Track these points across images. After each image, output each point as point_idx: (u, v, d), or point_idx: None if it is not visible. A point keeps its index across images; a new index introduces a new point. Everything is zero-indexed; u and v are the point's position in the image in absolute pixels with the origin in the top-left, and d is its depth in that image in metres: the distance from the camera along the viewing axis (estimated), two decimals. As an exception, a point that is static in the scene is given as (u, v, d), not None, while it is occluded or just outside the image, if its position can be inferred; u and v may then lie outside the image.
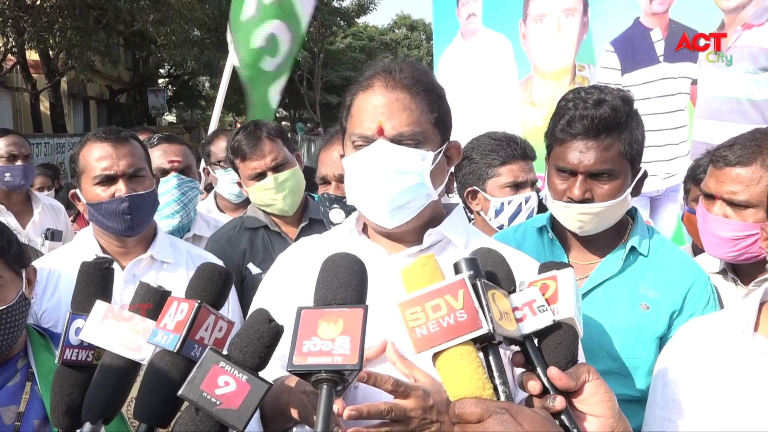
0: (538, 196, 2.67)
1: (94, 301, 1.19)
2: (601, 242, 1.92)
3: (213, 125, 4.60)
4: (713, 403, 1.40)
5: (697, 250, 2.47)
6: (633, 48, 3.81)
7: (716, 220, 1.94)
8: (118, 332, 1.13)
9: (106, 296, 1.25)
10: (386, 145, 1.39)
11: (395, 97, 1.40)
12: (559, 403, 1.00)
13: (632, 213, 1.99)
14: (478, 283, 1.00)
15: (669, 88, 3.73)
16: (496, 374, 0.98)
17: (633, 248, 1.91)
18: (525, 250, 1.88)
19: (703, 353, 1.47)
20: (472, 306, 0.97)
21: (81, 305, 1.24)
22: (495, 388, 0.97)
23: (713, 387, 1.42)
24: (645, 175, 1.88)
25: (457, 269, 1.05)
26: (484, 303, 0.97)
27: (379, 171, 1.39)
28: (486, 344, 1.00)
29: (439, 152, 1.44)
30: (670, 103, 3.73)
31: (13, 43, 17.71)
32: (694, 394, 1.44)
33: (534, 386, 1.02)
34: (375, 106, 1.41)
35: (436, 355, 0.97)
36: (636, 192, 1.89)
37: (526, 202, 2.57)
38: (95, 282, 1.26)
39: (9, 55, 18.52)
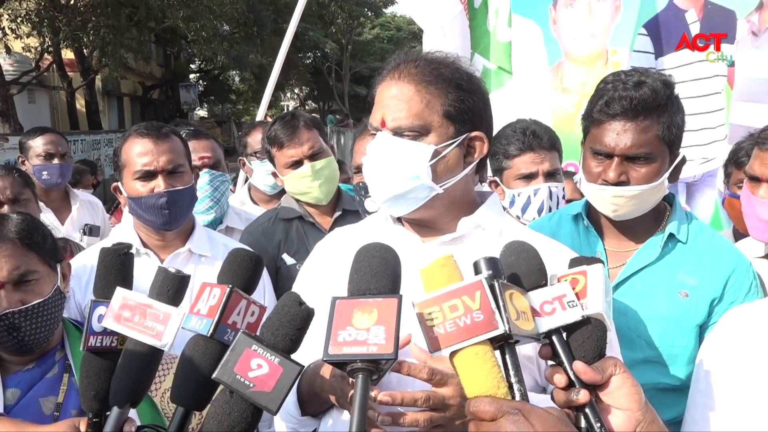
0: (572, 180, 2.63)
1: (114, 287, 1.19)
2: (638, 229, 1.88)
3: (260, 116, 4.65)
4: (758, 391, 1.37)
5: (739, 235, 2.41)
6: (667, 30, 3.72)
7: (762, 203, 1.88)
8: (138, 319, 1.13)
9: (127, 282, 1.25)
10: (385, 137, 1.43)
11: (399, 90, 1.42)
12: (582, 396, 1.01)
13: (670, 199, 1.94)
14: (496, 284, 1.01)
15: (705, 70, 3.63)
16: (512, 372, 1.00)
17: (671, 235, 1.87)
18: (560, 237, 1.87)
19: (748, 340, 1.44)
20: (488, 307, 0.98)
21: (102, 292, 1.24)
22: (510, 387, 0.99)
23: (758, 375, 1.39)
24: (683, 161, 1.84)
25: (476, 268, 1.07)
26: (501, 304, 0.99)
27: (377, 162, 1.45)
28: (503, 343, 1.01)
29: (449, 145, 1.43)
30: (707, 86, 3.63)
31: (49, 43, 18.13)
32: (739, 381, 1.41)
33: (560, 379, 1.04)
34: (382, 98, 1.45)
35: (452, 354, 0.99)
36: (673, 178, 1.84)
37: (535, 194, 2.56)
38: (115, 268, 1.26)
39: (45, 54, 18.96)
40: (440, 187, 1.43)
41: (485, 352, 0.98)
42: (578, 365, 1.03)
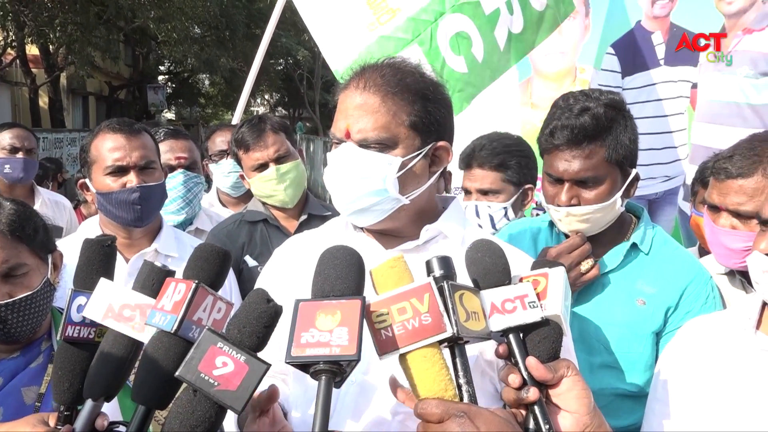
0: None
1: (96, 278, 1.18)
2: (605, 240, 1.93)
3: (235, 120, 4.63)
4: (715, 400, 1.40)
5: (704, 252, 2.46)
6: (634, 51, 3.82)
7: (723, 231, 1.91)
8: (120, 311, 1.11)
9: (109, 274, 1.23)
10: (350, 149, 1.38)
11: (363, 100, 1.37)
12: (532, 394, 1.03)
13: (638, 212, 2.01)
14: (445, 285, 1.02)
15: (669, 91, 3.74)
16: (461, 373, 1.02)
17: (634, 245, 1.92)
18: (539, 241, 2.01)
19: (706, 350, 1.47)
20: (437, 309, 0.99)
21: (83, 282, 1.22)
22: (459, 387, 1.01)
23: (715, 384, 1.42)
24: (637, 178, 1.90)
25: (428, 268, 1.07)
26: (449, 306, 1.00)
27: (341, 174, 1.40)
28: (452, 344, 1.02)
29: (415, 156, 1.40)
30: (670, 107, 3.74)
31: (13, 38, 17.68)
32: (696, 390, 1.44)
33: (514, 379, 1.05)
34: (346, 107, 1.40)
35: (401, 357, 1.00)
36: (628, 194, 1.90)
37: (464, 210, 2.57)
38: (98, 259, 1.24)
39: (9, 49, 18.48)
40: (406, 198, 1.41)
41: (433, 354, 0.99)
42: (531, 360, 1.05)
